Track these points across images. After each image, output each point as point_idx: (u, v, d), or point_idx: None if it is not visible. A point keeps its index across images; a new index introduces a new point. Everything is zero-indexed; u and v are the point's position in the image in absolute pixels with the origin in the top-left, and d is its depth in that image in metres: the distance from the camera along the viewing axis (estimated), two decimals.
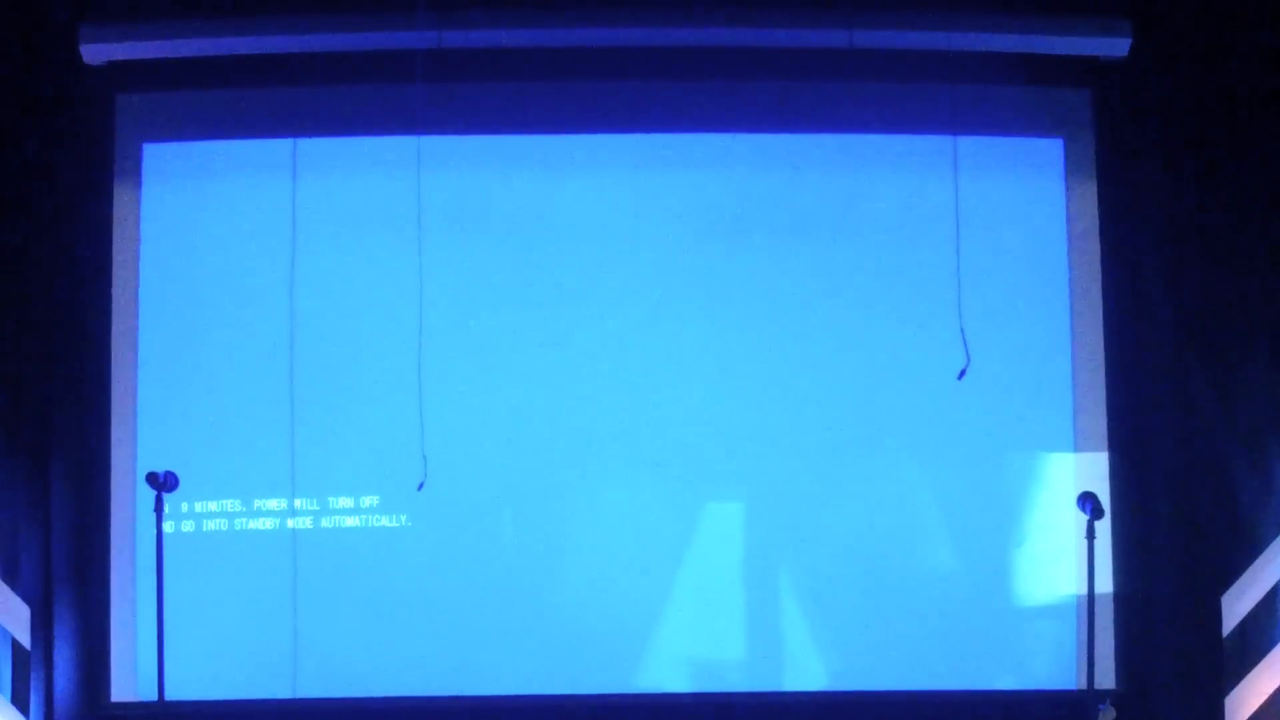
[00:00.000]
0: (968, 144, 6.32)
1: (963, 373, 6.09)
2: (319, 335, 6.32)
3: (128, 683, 6.17)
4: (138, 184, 6.35)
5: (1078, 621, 6.17)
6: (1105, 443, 6.32)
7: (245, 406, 6.28)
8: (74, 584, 6.17)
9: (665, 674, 6.24)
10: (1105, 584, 6.16)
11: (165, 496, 5.76)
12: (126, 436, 6.25)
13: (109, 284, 6.28)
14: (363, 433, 6.26)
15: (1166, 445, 6.24)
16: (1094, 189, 6.40)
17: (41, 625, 6.06)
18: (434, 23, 6.09)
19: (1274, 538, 6.05)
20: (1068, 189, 6.41)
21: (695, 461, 6.29)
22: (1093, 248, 6.38)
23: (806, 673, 6.25)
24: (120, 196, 6.33)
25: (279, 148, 6.38)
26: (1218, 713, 6.05)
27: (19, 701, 5.98)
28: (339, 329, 6.32)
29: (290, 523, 6.25)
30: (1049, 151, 6.43)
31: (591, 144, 6.40)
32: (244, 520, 6.24)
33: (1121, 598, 6.24)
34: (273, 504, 6.25)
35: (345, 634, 6.21)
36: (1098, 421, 6.33)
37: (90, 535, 6.20)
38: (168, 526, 5.91)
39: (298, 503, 6.26)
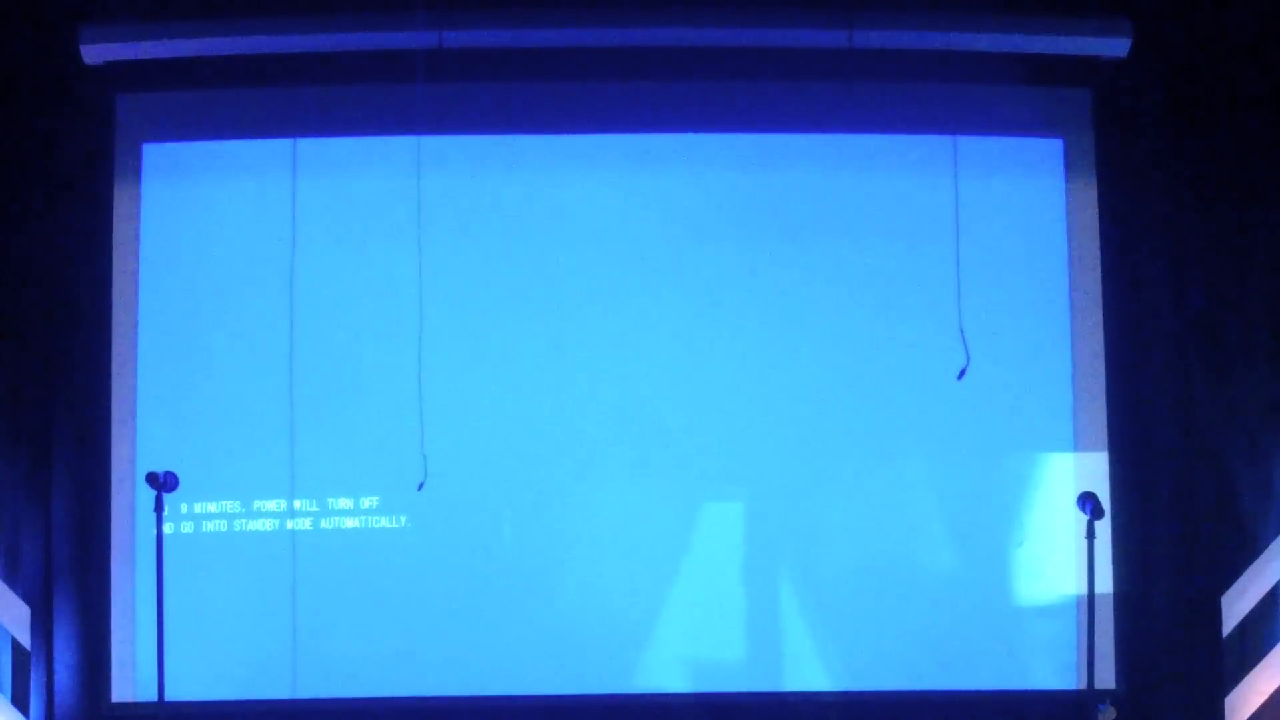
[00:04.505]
0: (968, 144, 6.33)
1: (963, 373, 6.09)
2: (319, 335, 6.32)
3: (128, 683, 6.18)
4: (138, 184, 6.35)
5: (1078, 621, 6.17)
6: (1105, 443, 6.32)
7: (245, 406, 6.28)
8: (74, 584, 6.17)
9: (665, 674, 6.24)
10: (1105, 584, 6.16)
11: (165, 496, 5.75)
12: (126, 436, 6.25)
13: (109, 284, 6.28)
14: (363, 433, 6.26)
15: (1166, 445, 6.24)
16: (1094, 189, 6.41)
17: (41, 625, 6.07)
18: (434, 23, 6.09)
19: (1274, 538, 6.05)
20: (1068, 189, 6.42)
21: (695, 461, 6.29)
22: (1093, 248, 6.38)
23: (806, 673, 6.24)
24: (120, 196, 6.33)
25: (279, 148, 6.38)
26: (1218, 713, 6.05)
27: (19, 701, 5.98)
28: (339, 329, 6.32)
29: (290, 524, 6.25)
30: (1049, 151, 6.44)
31: (591, 144, 6.40)
32: (243, 521, 6.24)
33: (1121, 598, 6.24)
34: (272, 505, 6.25)
35: (345, 634, 6.21)
36: (1098, 421, 6.33)
37: (90, 535, 6.20)
38: (167, 527, 5.91)
39: (297, 504, 6.26)
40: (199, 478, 6.14)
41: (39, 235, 6.17)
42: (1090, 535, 5.63)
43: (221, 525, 6.25)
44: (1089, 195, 6.41)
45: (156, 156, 6.37)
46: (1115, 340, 6.35)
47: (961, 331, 6.11)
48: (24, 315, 6.14)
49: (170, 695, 5.81)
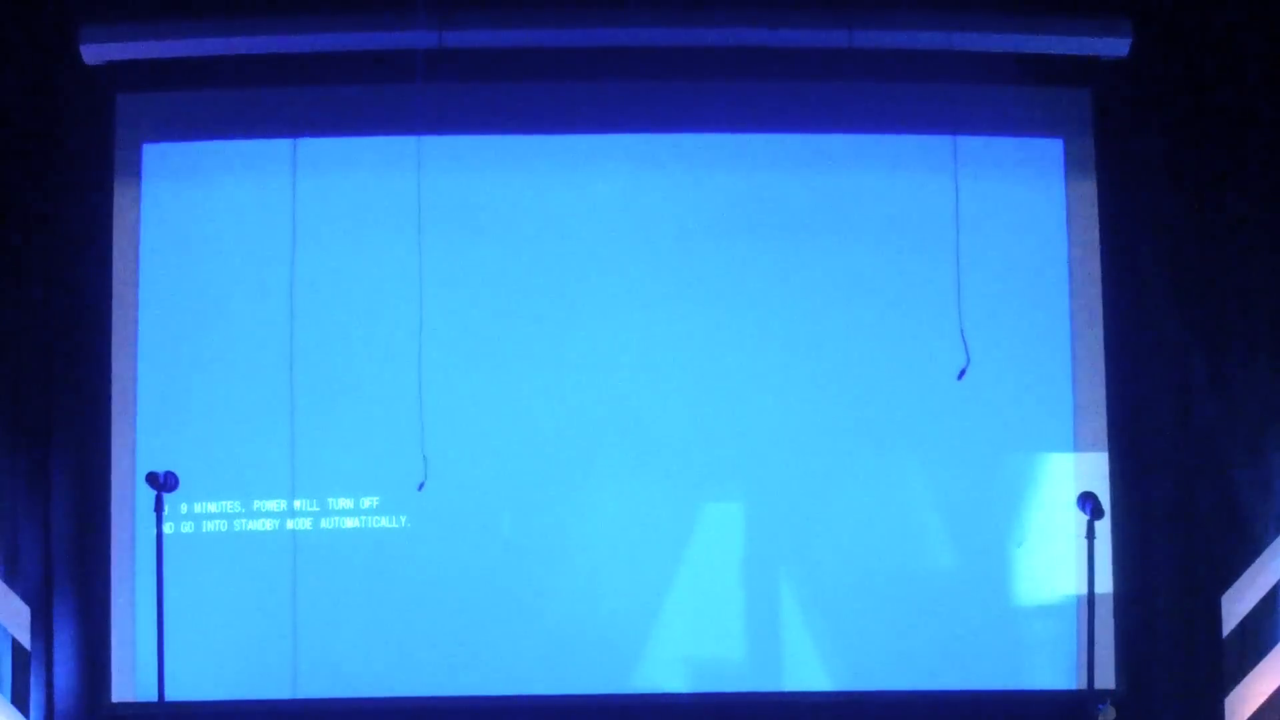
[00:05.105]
0: (968, 144, 6.32)
1: (963, 373, 6.09)
2: (319, 335, 6.32)
3: (128, 683, 6.18)
4: (138, 184, 6.34)
5: (1078, 621, 6.17)
6: (1105, 443, 6.32)
7: (245, 406, 6.28)
8: (74, 584, 6.17)
9: (665, 674, 6.24)
10: (1105, 584, 6.15)
11: (165, 496, 5.75)
12: (126, 436, 6.25)
13: (109, 284, 6.28)
14: (363, 433, 6.26)
15: (1166, 445, 6.24)
16: (1094, 189, 6.40)
17: (41, 625, 6.07)
18: (434, 23, 6.09)
19: (1274, 538, 6.05)
20: (1068, 189, 6.41)
21: (695, 461, 6.29)
22: (1093, 248, 6.38)
23: (806, 673, 6.24)
24: (120, 196, 6.33)
25: (279, 148, 6.38)
26: (1218, 713, 6.05)
27: (19, 701, 5.98)
28: (339, 329, 6.32)
29: (290, 524, 6.25)
30: (1049, 151, 6.43)
31: (591, 144, 6.40)
32: (243, 521, 6.24)
33: (1121, 598, 6.24)
34: (272, 505, 6.25)
35: (345, 634, 6.21)
36: (1098, 421, 6.33)
37: (90, 535, 6.20)
38: (167, 527, 5.90)
39: (297, 504, 6.26)
40: (199, 478, 6.14)
41: (39, 235, 6.18)
42: (1090, 535, 5.62)
43: (221, 525, 6.25)
44: (1089, 195, 6.40)
45: (156, 156, 6.37)
46: (1115, 340, 6.34)
47: (961, 331, 6.10)
48: (24, 315, 6.15)
49: (170, 695, 5.80)
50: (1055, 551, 6.26)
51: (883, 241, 6.37)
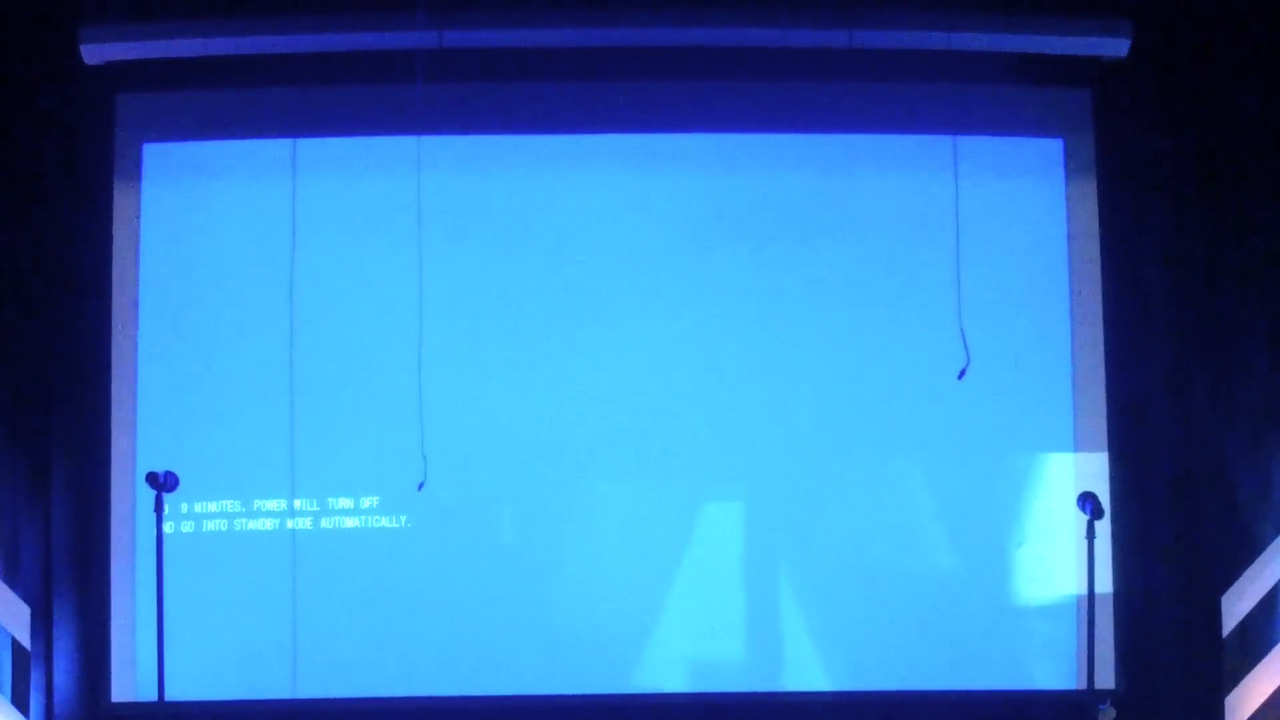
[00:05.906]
0: (968, 144, 6.32)
1: (963, 373, 6.09)
2: (319, 335, 6.32)
3: (128, 683, 6.18)
4: (138, 184, 6.35)
5: (1078, 621, 6.17)
6: (1105, 443, 6.32)
7: (245, 406, 6.28)
8: (74, 584, 6.17)
9: (664, 674, 6.24)
10: (1105, 584, 6.16)
11: (165, 496, 5.75)
12: (126, 436, 6.25)
13: (109, 284, 6.29)
14: (363, 433, 6.26)
15: (1166, 445, 6.24)
16: (1094, 189, 6.41)
17: (41, 625, 6.07)
18: (434, 23, 6.09)
19: (1274, 538, 6.05)
20: (1068, 189, 6.42)
21: (695, 461, 6.29)
22: (1093, 248, 6.38)
23: (806, 673, 6.24)
24: (120, 196, 6.33)
25: (279, 148, 6.38)
26: (1218, 713, 6.05)
27: (19, 701, 5.98)
28: (339, 329, 6.32)
29: (290, 523, 6.25)
30: (1049, 151, 6.44)
31: (591, 144, 6.40)
32: (244, 521, 6.24)
33: (1121, 598, 6.24)
34: (272, 504, 6.25)
35: (345, 634, 6.21)
36: (1098, 421, 6.33)
37: (90, 535, 6.21)
38: (167, 527, 5.91)
39: (297, 503, 6.26)
40: (199, 478, 6.14)
41: (39, 235, 6.17)
42: (1090, 535, 5.63)
43: (221, 525, 6.25)
44: (1089, 195, 6.41)
45: (156, 156, 6.37)
46: (1115, 340, 6.35)
47: (961, 331, 6.10)
48: (24, 315, 6.14)
49: (170, 695, 5.81)
50: (1055, 551, 6.26)
51: (883, 241, 6.37)
